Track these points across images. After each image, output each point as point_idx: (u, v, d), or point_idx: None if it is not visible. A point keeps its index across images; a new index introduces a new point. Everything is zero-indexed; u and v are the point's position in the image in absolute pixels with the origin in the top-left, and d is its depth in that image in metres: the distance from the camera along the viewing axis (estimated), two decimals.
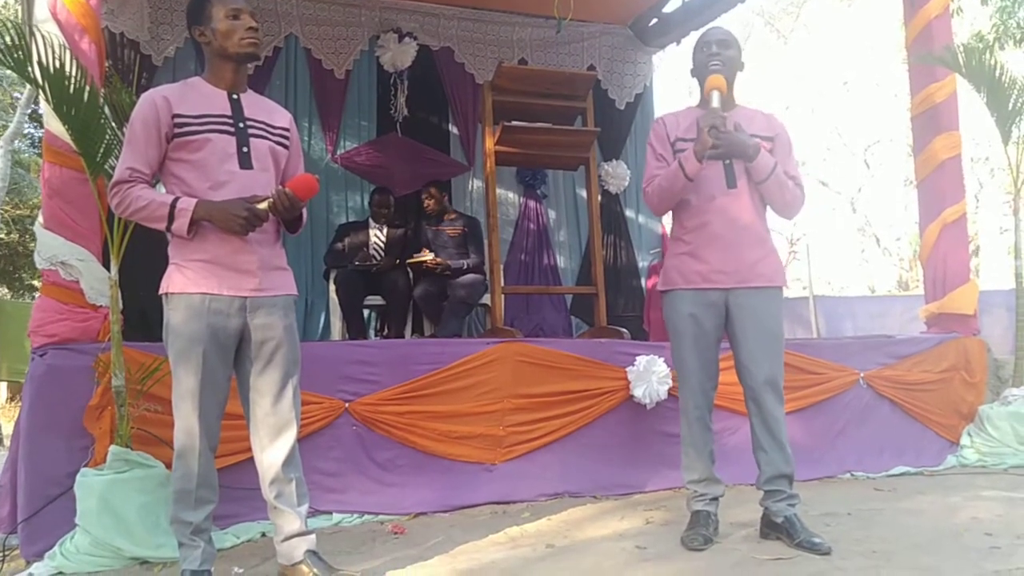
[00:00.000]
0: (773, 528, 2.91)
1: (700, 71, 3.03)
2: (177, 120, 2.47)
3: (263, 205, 2.45)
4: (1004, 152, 4.85)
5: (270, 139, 2.61)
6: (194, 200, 2.42)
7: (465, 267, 5.36)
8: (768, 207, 3.05)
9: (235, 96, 2.58)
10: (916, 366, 4.55)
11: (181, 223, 2.40)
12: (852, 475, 4.22)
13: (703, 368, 2.98)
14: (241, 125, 2.55)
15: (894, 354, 4.55)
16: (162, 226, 2.44)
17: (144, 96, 2.52)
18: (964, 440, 4.55)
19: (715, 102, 2.87)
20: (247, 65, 2.64)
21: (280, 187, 2.47)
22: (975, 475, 4.18)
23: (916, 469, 4.33)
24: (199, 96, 2.54)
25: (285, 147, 2.67)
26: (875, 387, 4.44)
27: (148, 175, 2.49)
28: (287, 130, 2.69)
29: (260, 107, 2.65)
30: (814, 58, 21.30)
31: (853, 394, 4.40)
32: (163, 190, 2.55)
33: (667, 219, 7.77)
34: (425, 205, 5.76)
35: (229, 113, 2.54)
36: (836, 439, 4.32)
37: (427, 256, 5.33)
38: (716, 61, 2.95)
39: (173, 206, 2.41)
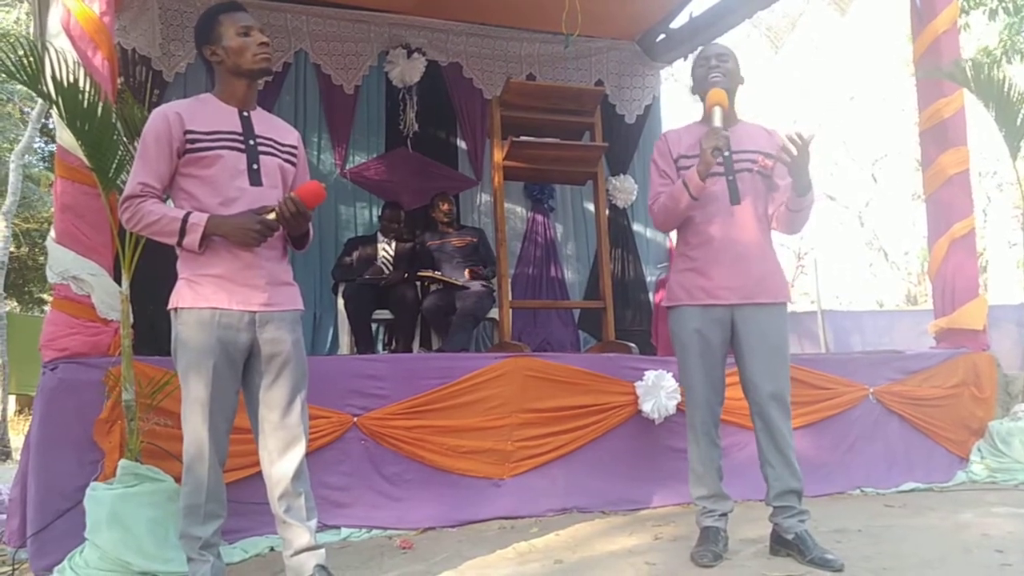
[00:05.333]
0: (783, 545, 2.90)
1: (701, 86, 3.03)
2: (189, 136, 2.50)
3: (271, 216, 2.47)
4: (1013, 167, 4.84)
5: (279, 156, 2.63)
6: (206, 215, 2.44)
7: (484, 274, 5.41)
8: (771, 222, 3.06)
9: (245, 113, 2.61)
10: (926, 381, 4.54)
11: (193, 238, 2.42)
12: (862, 491, 4.20)
13: (710, 384, 2.98)
14: (251, 142, 2.57)
15: (903, 369, 4.54)
16: (173, 240, 2.46)
17: (156, 111, 2.55)
18: (974, 456, 4.52)
19: (717, 120, 2.85)
20: (259, 81, 2.67)
21: (287, 194, 2.49)
22: (985, 491, 4.16)
23: (926, 485, 4.31)
24: (211, 113, 2.57)
25: (293, 164, 2.70)
26: (884, 403, 4.42)
27: (159, 190, 2.51)
28: (295, 148, 2.72)
29: (269, 125, 2.68)
30: (821, 72, 21.37)
31: (862, 409, 4.38)
32: (172, 205, 2.57)
33: (674, 234, 7.81)
34: (437, 215, 5.75)
35: (240, 130, 2.57)
36: (845, 455, 4.30)
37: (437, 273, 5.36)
38: (716, 74, 2.95)
39: (185, 221, 2.43)
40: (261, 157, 2.57)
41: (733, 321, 2.95)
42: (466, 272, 5.42)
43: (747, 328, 2.94)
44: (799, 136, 2.76)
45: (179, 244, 2.46)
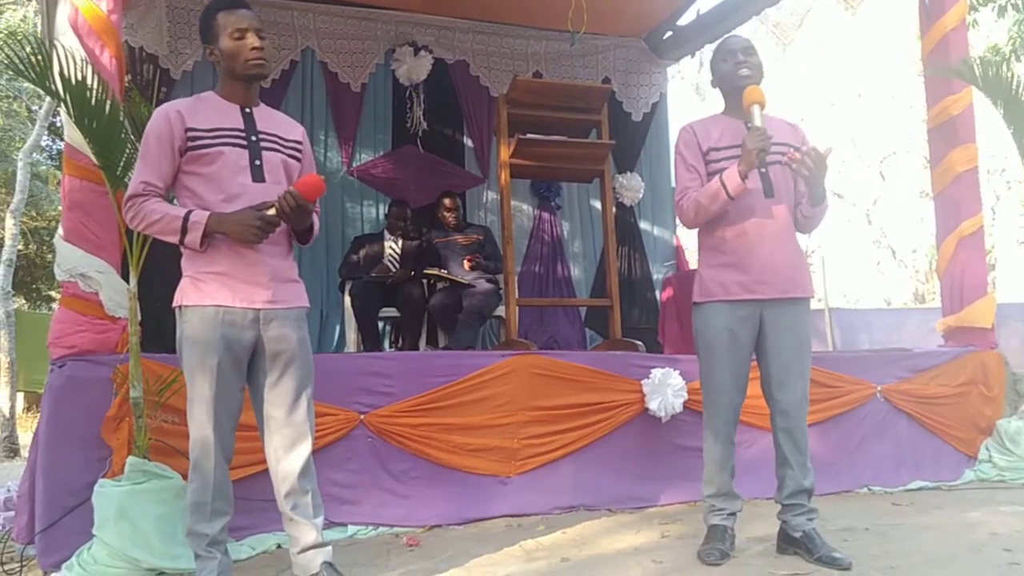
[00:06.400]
0: (791, 543, 2.89)
1: (727, 81, 2.97)
2: (190, 134, 2.50)
3: (271, 211, 2.46)
4: (1021, 164, 4.82)
5: (282, 152, 2.63)
6: (206, 213, 2.45)
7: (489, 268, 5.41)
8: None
9: (248, 110, 2.61)
10: (934, 380, 4.52)
11: (194, 236, 2.43)
12: (869, 489, 4.19)
13: (735, 383, 2.93)
14: (254, 138, 2.57)
15: (911, 367, 4.52)
16: (175, 239, 2.46)
17: (158, 111, 2.56)
18: (982, 454, 4.51)
19: (757, 119, 2.79)
20: (258, 82, 2.66)
21: (287, 188, 2.49)
22: (994, 490, 4.14)
23: (934, 484, 4.29)
24: (212, 110, 2.57)
25: (297, 160, 2.69)
26: (892, 401, 4.41)
27: (162, 189, 2.51)
28: (299, 143, 2.71)
29: (273, 121, 2.67)
30: (828, 70, 21.31)
31: (870, 408, 4.37)
32: (177, 203, 2.57)
33: (681, 231, 7.79)
34: (442, 216, 5.73)
35: (242, 127, 2.57)
36: (853, 453, 4.29)
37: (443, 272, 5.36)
38: (745, 69, 2.91)
39: (186, 219, 2.43)
40: (264, 153, 2.57)
41: (762, 317, 2.91)
42: (465, 262, 5.40)
43: (777, 325, 2.89)
44: (815, 150, 2.76)
45: (181, 243, 2.47)
